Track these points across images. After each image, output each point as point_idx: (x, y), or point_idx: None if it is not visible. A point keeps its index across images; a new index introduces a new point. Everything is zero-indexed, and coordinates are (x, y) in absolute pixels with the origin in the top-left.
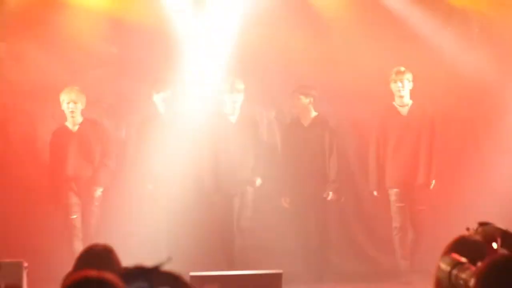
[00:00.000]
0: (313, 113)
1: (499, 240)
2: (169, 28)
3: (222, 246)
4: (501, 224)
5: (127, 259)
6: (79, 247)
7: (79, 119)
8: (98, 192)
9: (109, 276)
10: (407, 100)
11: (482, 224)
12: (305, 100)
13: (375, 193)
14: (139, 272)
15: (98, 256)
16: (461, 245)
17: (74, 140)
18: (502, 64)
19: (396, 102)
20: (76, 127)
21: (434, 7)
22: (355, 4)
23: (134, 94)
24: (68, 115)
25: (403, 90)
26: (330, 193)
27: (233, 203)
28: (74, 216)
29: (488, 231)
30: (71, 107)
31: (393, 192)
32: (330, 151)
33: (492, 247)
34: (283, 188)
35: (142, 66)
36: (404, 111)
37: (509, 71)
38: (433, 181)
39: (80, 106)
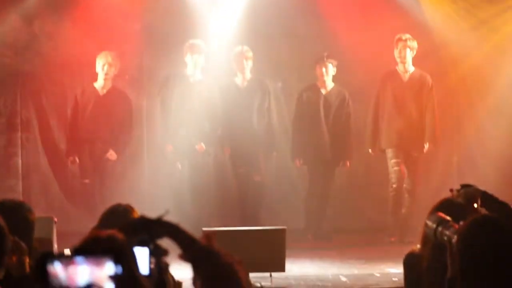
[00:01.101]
0: (332, 84)
1: (479, 200)
2: (186, 5)
3: (238, 203)
4: (497, 184)
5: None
6: (94, 207)
7: (109, 84)
8: (112, 154)
9: (118, 234)
10: (409, 67)
11: (464, 186)
12: (332, 69)
13: (370, 151)
14: (140, 224)
15: (119, 216)
16: (445, 206)
17: (98, 103)
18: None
19: (399, 68)
20: (104, 91)
21: None
22: None
23: (155, 68)
24: (101, 77)
25: (406, 57)
26: (347, 162)
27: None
28: (86, 181)
29: (469, 192)
30: (106, 69)
31: (389, 151)
32: (347, 119)
33: (473, 207)
34: (297, 150)
35: (163, 42)
36: (405, 76)
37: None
38: (427, 145)
39: (113, 70)
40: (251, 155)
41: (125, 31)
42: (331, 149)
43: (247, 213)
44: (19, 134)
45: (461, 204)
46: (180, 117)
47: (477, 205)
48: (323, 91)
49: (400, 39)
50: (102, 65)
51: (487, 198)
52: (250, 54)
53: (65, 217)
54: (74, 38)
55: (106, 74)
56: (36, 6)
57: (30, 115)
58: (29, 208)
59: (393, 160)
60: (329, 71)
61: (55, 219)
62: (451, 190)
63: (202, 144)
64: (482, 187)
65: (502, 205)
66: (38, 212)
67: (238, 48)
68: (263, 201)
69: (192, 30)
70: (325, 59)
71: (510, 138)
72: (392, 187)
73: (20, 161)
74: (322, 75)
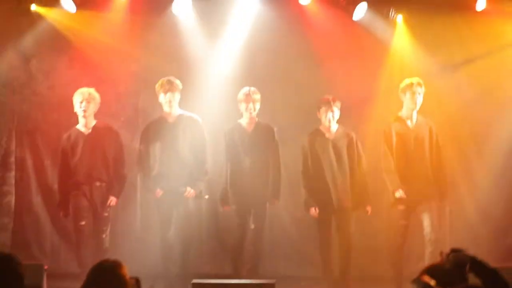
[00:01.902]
0: (336, 125)
1: (468, 266)
2: (184, 50)
3: (232, 255)
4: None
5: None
6: (86, 253)
7: (92, 121)
8: (112, 201)
9: None
10: (415, 113)
11: (454, 250)
12: (337, 113)
13: (399, 193)
14: None
15: (106, 272)
16: (433, 270)
17: (86, 143)
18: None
19: (404, 114)
20: (89, 131)
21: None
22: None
23: (151, 110)
24: (80, 114)
25: (417, 102)
26: (369, 207)
27: (249, 214)
28: (83, 223)
29: (458, 257)
30: (84, 106)
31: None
32: (360, 160)
33: (462, 273)
34: (310, 198)
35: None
36: (411, 123)
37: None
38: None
39: (93, 106)
40: (258, 206)
41: (121, 72)
42: (349, 194)
43: (245, 262)
44: (13, 173)
45: (449, 269)
46: (166, 160)
47: (466, 270)
48: (329, 135)
49: (412, 84)
50: (79, 103)
51: (476, 265)
52: (258, 96)
53: (55, 258)
54: (70, 78)
55: (84, 111)
56: (33, 44)
57: (25, 154)
58: (18, 261)
59: (402, 222)
60: (335, 115)
61: (46, 266)
62: (441, 254)
63: (189, 189)
64: (472, 240)
65: (491, 272)
66: (29, 252)
67: (245, 90)
68: (263, 250)
69: (189, 72)
70: (331, 103)
71: (503, 191)
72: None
73: (13, 200)
74: (329, 120)
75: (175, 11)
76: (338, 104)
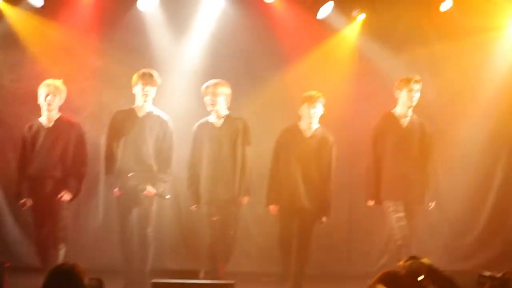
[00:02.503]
0: (317, 125)
1: (424, 274)
2: (150, 46)
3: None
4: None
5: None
6: (46, 249)
7: (56, 114)
8: (66, 197)
9: None
10: (410, 112)
11: (411, 258)
12: (321, 109)
13: (370, 203)
14: None
15: (63, 276)
16: (388, 277)
17: (47, 136)
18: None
19: (397, 111)
20: (51, 124)
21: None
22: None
23: (115, 105)
24: (44, 107)
25: (413, 100)
26: (324, 218)
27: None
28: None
29: (414, 265)
30: (49, 99)
31: (390, 204)
32: (328, 167)
33: (416, 281)
34: (273, 196)
35: (123, 80)
36: (404, 122)
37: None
38: (433, 204)
39: (58, 100)
40: (228, 202)
41: (85, 67)
42: (308, 200)
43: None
44: None
45: (404, 276)
46: (127, 158)
47: (422, 278)
48: (306, 133)
49: (409, 80)
50: (44, 96)
51: (432, 273)
52: (222, 89)
53: (18, 251)
54: (35, 72)
55: (49, 105)
56: None
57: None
58: None
59: (398, 215)
60: (318, 112)
61: (7, 264)
62: (400, 261)
63: (150, 188)
64: (432, 238)
65: (447, 280)
66: None
67: (210, 82)
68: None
69: (154, 68)
70: (316, 99)
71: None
72: (396, 243)
73: None
74: (310, 116)
75: (141, 7)
76: (322, 100)
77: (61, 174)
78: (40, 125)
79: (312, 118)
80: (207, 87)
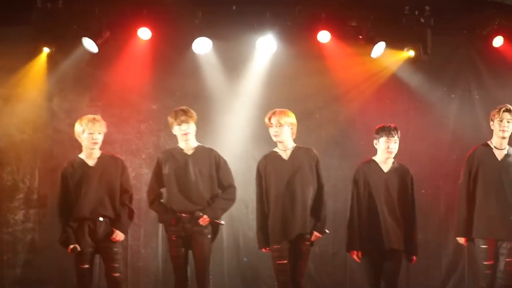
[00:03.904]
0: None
1: None
2: (205, 89)
3: None
4: None
5: None
6: None
7: (98, 153)
8: (119, 235)
9: None
10: (506, 142)
11: None
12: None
13: (461, 240)
14: None
15: None
16: None
17: (92, 175)
18: None
19: (493, 143)
20: (94, 162)
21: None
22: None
23: (171, 146)
24: (90, 146)
25: (507, 130)
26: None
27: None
28: (86, 266)
29: None
30: (96, 138)
31: (481, 242)
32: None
33: None
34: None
35: None
36: (500, 154)
37: None
38: None
39: (101, 137)
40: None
41: (142, 111)
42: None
43: None
44: (36, 210)
45: None
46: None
47: None
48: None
49: (500, 109)
50: (89, 134)
51: None
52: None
53: None
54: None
55: (95, 144)
56: (55, 83)
57: (47, 192)
58: None
59: (486, 262)
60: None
61: None
62: None
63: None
64: None
65: None
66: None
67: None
68: None
69: (209, 110)
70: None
71: None
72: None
73: (37, 237)
74: (389, 152)
75: (196, 51)
76: (399, 134)
77: (110, 212)
78: (83, 164)
79: (392, 153)
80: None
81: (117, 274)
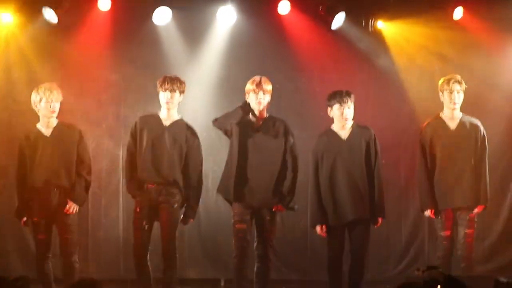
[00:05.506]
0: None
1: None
2: (165, 59)
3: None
4: None
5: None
6: (50, 267)
7: (55, 121)
8: (73, 207)
9: None
10: (457, 113)
11: (430, 267)
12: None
13: (427, 213)
14: None
15: None
16: (406, 286)
17: (47, 145)
18: None
19: (444, 114)
20: (50, 130)
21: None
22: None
23: (132, 117)
24: (48, 115)
25: (456, 101)
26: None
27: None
28: (42, 236)
29: (432, 274)
30: (54, 106)
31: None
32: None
33: None
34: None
35: (141, 92)
36: (453, 124)
37: None
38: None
39: (58, 106)
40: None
41: (102, 81)
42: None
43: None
44: None
45: (422, 286)
46: (148, 168)
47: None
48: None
49: (450, 80)
50: (45, 103)
51: (449, 282)
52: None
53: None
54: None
55: (52, 112)
56: (14, 54)
57: (7, 162)
58: None
59: (443, 233)
60: (350, 112)
61: None
62: (418, 270)
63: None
64: None
65: None
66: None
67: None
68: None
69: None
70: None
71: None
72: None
73: None
74: (345, 119)
75: (156, 21)
76: (353, 98)
77: (66, 182)
78: (39, 134)
79: (347, 119)
80: (256, 83)
81: (70, 248)
